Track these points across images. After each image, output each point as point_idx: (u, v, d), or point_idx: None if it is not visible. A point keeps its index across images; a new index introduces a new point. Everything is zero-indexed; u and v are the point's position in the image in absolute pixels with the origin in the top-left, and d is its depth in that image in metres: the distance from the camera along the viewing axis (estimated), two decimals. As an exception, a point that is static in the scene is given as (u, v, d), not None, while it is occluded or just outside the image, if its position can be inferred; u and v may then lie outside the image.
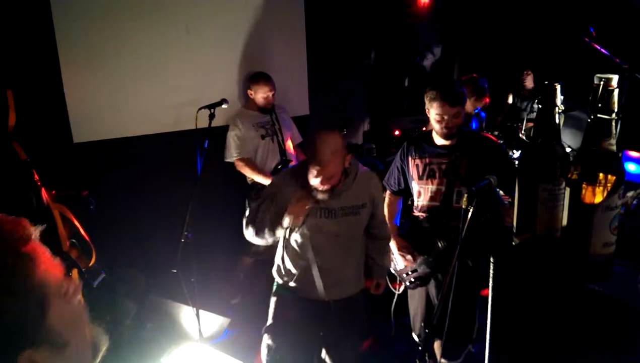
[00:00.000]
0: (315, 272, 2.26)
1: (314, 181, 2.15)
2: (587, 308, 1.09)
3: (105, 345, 0.91)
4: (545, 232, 1.12)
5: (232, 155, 3.51)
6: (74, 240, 2.31)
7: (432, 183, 2.48)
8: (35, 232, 0.76)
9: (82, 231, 2.36)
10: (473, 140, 2.49)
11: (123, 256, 3.14)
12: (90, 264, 2.37)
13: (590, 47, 3.33)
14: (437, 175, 2.47)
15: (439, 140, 2.49)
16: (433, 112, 2.42)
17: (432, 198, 2.49)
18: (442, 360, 2.49)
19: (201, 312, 2.78)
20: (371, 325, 2.48)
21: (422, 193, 2.53)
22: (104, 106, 3.34)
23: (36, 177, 2.13)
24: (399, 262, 2.62)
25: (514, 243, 1.21)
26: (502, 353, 1.40)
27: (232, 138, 3.52)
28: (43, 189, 2.15)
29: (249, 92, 3.59)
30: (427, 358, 1.81)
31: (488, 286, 1.28)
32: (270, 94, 3.54)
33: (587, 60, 3.35)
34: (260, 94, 3.53)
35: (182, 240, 2.96)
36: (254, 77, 3.59)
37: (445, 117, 2.38)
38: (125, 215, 3.30)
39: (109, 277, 2.48)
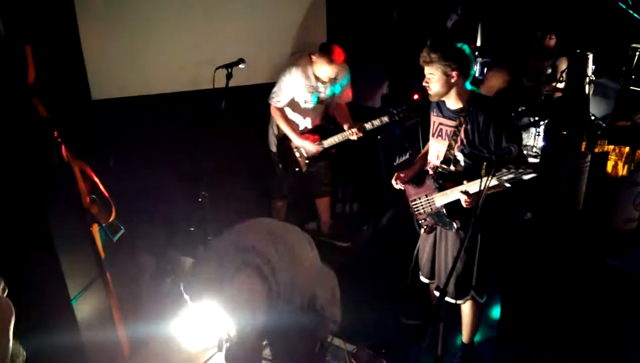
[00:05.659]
0: None
1: None
2: (604, 282, 1.09)
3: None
4: (567, 205, 1.10)
5: (273, 98, 3.38)
6: (94, 196, 2.36)
7: (439, 143, 2.51)
8: None
9: (101, 187, 2.40)
10: (479, 105, 2.36)
11: (142, 213, 3.20)
12: (110, 220, 2.43)
13: (620, 10, 3.17)
14: (443, 135, 2.49)
15: (451, 104, 2.45)
16: None
17: (435, 157, 2.53)
18: (448, 299, 2.54)
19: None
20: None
21: (431, 149, 2.58)
22: (122, 64, 3.32)
23: (56, 133, 2.15)
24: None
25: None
26: (514, 324, 1.42)
27: (281, 82, 3.33)
28: (63, 146, 2.17)
29: (313, 57, 3.26)
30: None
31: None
32: (329, 77, 3.24)
33: (617, 25, 3.19)
34: (320, 72, 3.23)
35: (199, 199, 3.00)
36: (323, 48, 3.21)
37: (425, 76, 2.43)
38: (143, 173, 3.34)
39: (129, 233, 2.54)
